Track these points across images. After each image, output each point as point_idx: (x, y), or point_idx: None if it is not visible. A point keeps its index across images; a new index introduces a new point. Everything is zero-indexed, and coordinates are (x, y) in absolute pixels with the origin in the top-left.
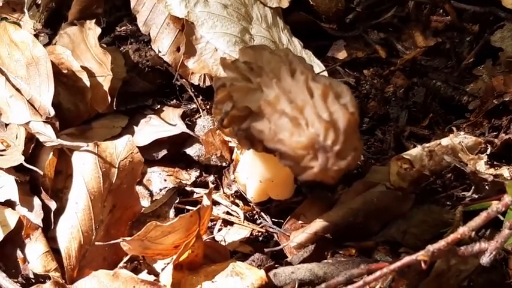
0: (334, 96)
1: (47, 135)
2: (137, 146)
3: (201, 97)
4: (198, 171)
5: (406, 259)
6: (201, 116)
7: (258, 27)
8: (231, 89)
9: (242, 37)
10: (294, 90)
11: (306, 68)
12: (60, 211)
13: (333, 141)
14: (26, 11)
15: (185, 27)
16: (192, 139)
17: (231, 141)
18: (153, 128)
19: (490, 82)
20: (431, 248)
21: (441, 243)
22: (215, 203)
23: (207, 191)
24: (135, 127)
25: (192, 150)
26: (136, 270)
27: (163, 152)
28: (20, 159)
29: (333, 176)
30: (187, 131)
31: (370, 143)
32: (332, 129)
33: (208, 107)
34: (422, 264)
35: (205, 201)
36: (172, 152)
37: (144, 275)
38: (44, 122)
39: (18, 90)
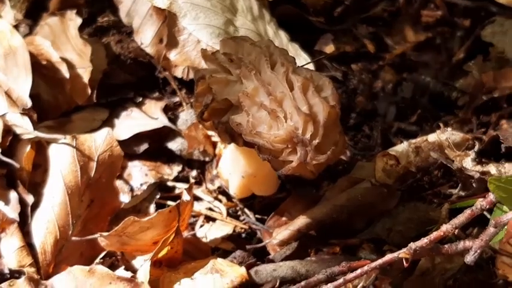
0: (314, 89)
1: (24, 127)
2: (117, 140)
3: (184, 90)
4: (181, 166)
5: (388, 257)
6: (184, 109)
7: (243, 19)
8: (210, 81)
9: (226, 29)
10: (274, 83)
11: (287, 60)
12: (37, 205)
13: (312, 135)
14: (7, 1)
15: (167, 19)
16: (175, 133)
17: (213, 136)
18: (134, 122)
19: (479, 78)
20: (413, 245)
21: (424, 241)
22: (197, 198)
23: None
24: (115, 120)
25: (174, 145)
26: (113, 267)
27: (145, 146)
28: None
29: (313, 170)
30: (170, 124)
31: (357, 139)
32: (311, 122)
33: (191, 100)
34: (404, 262)
35: (185, 197)
36: (154, 146)
37: (121, 272)
38: (21, 113)
39: None
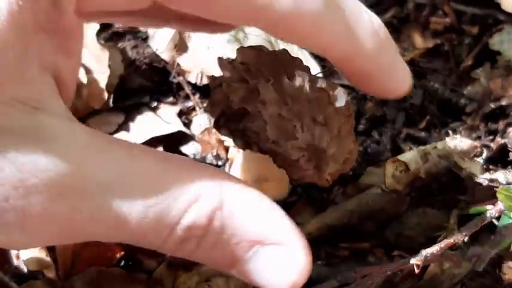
0: (329, 100)
1: None
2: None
3: (198, 95)
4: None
5: (400, 263)
6: (197, 114)
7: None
8: (227, 90)
9: (236, 35)
10: (290, 93)
11: (303, 70)
12: None
13: (328, 145)
14: None
15: None
16: (188, 137)
17: (226, 140)
18: (149, 126)
19: (487, 85)
20: (424, 252)
21: (434, 248)
22: None
23: None
24: (131, 124)
25: (188, 149)
26: (130, 268)
27: (159, 150)
28: None
29: (328, 179)
30: (184, 129)
31: (366, 145)
32: (327, 132)
33: (205, 105)
34: (415, 269)
35: None
36: (168, 150)
37: (137, 273)
38: None
39: None
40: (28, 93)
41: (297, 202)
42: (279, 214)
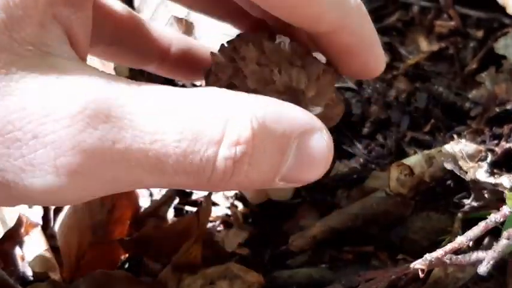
0: (308, 51)
1: None
2: None
3: None
4: None
5: (404, 267)
6: None
7: None
8: (215, 69)
9: None
10: (270, 48)
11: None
12: (60, 208)
13: (306, 86)
14: None
15: (184, 27)
16: None
17: None
18: None
19: (492, 89)
20: (428, 257)
21: (438, 252)
22: (214, 204)
23: (206, 192)
24: None
25: None
26: (134, 271)
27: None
28: None
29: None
30: None
31: (371, 148)
32: (304, 74)
33: None
34: (420, 273)
35: (205, 204)
36: None
37: (142, 276)
38: None
39: None
40: (39, 38)
41: (301, 205)
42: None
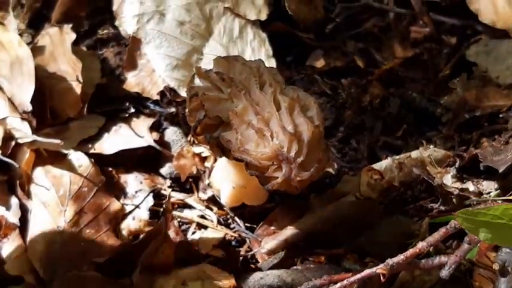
0: (300, 109)
1: (23, 131)
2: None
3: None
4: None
5: (367, 271)
6: (179, 120)
7: (215, 43)
8: (203, 98)
9: (187, 59)
10: (262, 103)
11: (276, 81)
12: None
13: (297, 153)
14: (10, 11)
15: (130, 43)
16: (163, 158)
17: (203, 152)
18: (121, 138)
19: (463, 96)
20: (390, 261)
21: (400, 257)
22: (190, 206)
23: (182, 195)
24: (113, 127)
25: (165, 170)
26: (110, 273)
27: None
28: None
29: (297, 186)
30: (154, 144)
31: (344, 152)
32: (296, 141)
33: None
34: (381, 278)
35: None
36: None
37: (117, 278)
38: (21, 118)
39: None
40: None
41: (274, 209)
42: None
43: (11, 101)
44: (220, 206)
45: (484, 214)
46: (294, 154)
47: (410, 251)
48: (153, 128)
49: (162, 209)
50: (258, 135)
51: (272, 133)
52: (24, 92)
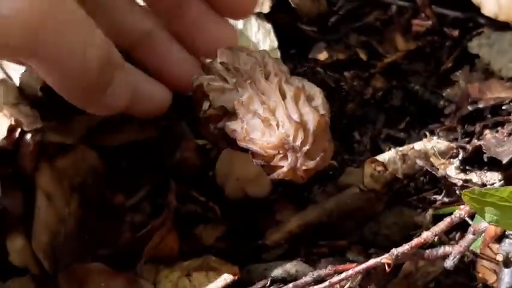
0: (305, 99)
1: (33, 118)
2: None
3: None
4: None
5: (372, 261)
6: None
7: None
8: (207, 89)
9: None
10: (267, 92)
11: (281, 71)
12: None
13: (302, 142)
14: None
15: None
16: None
17: (207, 144)
18: None
19: (466, 88)
20: (395, 251)
21: (405, 247)
22: (193, 198)
23: (185, 187)
24: None
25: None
26: (114, 264)
27: None
28: None
29: (302, 175)
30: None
31: (347, 144)
32: (302, 130)
33: None
34: (386, 267)
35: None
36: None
37: (121, 269)
38: (30, 107)
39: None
40: None
41: (278, 200)
42: None
43: (19, 89)
44: (223, 198)
45: (491, 195)
46: (300, 143)
47: (415, 241)
48: (157, 120)
49: (165, 201)
50: (264, 124)
51: (278, 122)
52: (34, 80)
